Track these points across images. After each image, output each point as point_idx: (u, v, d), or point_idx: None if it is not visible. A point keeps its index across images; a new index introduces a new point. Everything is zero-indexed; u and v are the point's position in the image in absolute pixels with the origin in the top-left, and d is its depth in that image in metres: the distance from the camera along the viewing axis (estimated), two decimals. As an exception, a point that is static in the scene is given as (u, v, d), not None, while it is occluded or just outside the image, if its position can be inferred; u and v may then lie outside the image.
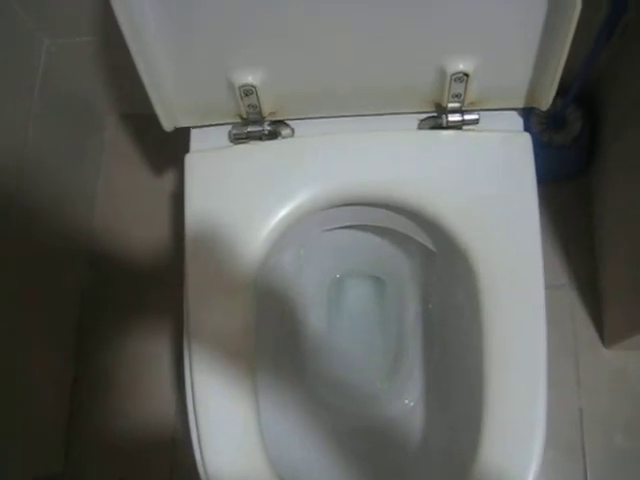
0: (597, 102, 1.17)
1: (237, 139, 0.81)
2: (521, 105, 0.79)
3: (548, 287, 0.75)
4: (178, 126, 0.81)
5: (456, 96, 0.76)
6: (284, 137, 0.82)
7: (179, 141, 0.84)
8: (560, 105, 1.10)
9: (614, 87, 1.12)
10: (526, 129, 0.80)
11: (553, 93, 0.75)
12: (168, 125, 0.79)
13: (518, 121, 0.81)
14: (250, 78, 0.74)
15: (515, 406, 0.71)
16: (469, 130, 0.79)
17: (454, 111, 0.78)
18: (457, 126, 0.79)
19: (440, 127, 0.79)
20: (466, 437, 0.73)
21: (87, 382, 1.22)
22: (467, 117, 0.78)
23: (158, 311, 1.22)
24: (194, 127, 0.83)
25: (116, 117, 1.34)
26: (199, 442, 0.73)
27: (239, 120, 0.80)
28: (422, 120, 0.81)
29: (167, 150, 0.97)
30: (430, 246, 0.86)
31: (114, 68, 1.15)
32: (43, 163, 1.10)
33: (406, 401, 0.99)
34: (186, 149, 0.83)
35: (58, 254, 1.17)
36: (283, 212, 0.77)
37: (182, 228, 0.79)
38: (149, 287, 1.24)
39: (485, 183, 0.77)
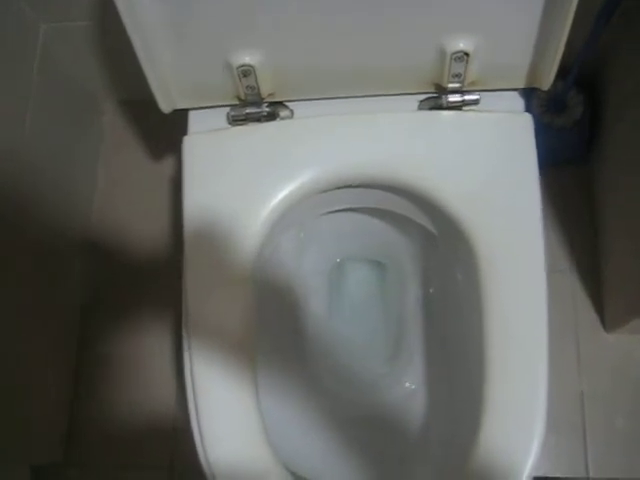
0: (598, 88, 1.17)
1: (235, 121, 0.80)
2: (522, 85, 0.78)
3: (549, 271, 0.74)
4: (176, 108, 0.80)
5: (456, 76, 0.75)
6: (283, 118, 0.81)
7: (178, 126, 0.83)
8: (561, 88, 1.10)
9: (615, 73, 1.11)
10: (527, 111, 0.80)
11: (554, 72, 0.74)
12: (166, 107, 0.78)
13: (519, 102, 0.80)
14: (248, 58, 0.74)
15: (516, 389, 0.71)
16: (469, 111, 0.79)
17: (454, 91, 0.77)
18: (457, 107, 0.78)
19: (440, 108, 0.79)
20: (467, 420, 0.73)
21: (88, 373, 1.22)
22: (467, 97, 0.78)
23: (158, 300, 1.22)
24: (192, 109, 0.82)
25: (114, 103, 1.33)
26: (200, 431, 0.72)
27: (237, 102, 0.80)
28: (422, 101, 0.80)
29: (166, 135, 0.97)
30: (431, 228, 0.86)
31: (112, 53, 1.14)
32: (41, 150, 1.09)
33: (407, 384, 0.99)
34: (185, 132, 0.82)
35: (57, 244, 1.17)
36: (282, 194, 0.77)
37: (181, 213, 0.78)
38: (149, 276, 1.24)
39: (486, 164, 0.76)
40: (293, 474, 0.74)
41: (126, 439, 1.17)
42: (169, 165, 1.29)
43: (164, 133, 1.02)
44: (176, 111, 0.81)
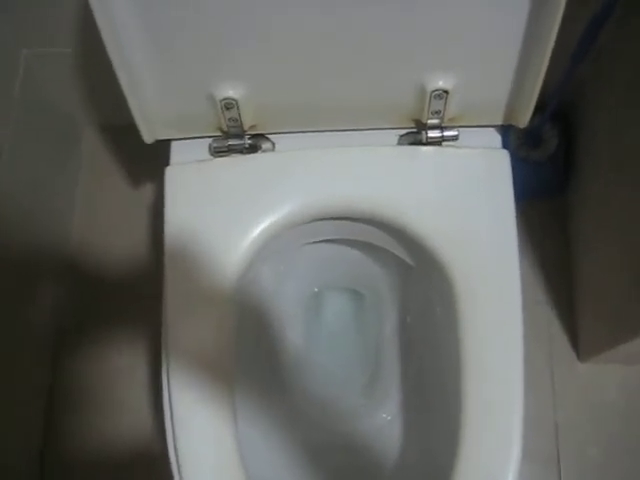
0: (573, 121, 1.19)
1: (218, 152, 0.81)
2: (499, 122, 0.80)
3: (526, 303, 0.75)
4: (158, 138, 0.80)
5: (436, 112, 0.77)
6: (265, 151, 0.82)
7: (160, 154, 0.83)
8: (537, 122, 1.12)
9: (588, 107, 1.14)
10: (504, 146, 0.81)
11: (531, 111, 0.76)
12: (148, 137, 0.79)
13: (496, 138, 0.82)
14: (231, 92, 0.74)
15: (491, 421, 0.71)
16: (448, 146, 0.80)
17: (434, 127, 0.79)
18: (436, 142, 0.79)
19: (420, 143, 0.80)
20: (443, 451, 0.73)
21: (63, 397, 1.20)
22: (446, 133, 0.79)
23: (136, 326, 1.21)
24: (175, 140, 0.83)
25: (95, 129, 1.33)
26: (177, 461, 0.72)
27: (220, 133, 0.80)
28: (402, 136, 0.82)
29: (147, 163, 0.97)
30: (408, 260, 0.86)
31: (94, 79, 1.14)
32: (19, 175, 1.09)
33: (384, 415, 0.98)
34: (167, 162, 0.82)
35: (34, 270, 1.16)
36: (262, 226, 0.77)
37: (161, 242, 0.78)
38: (127, 302, 1.23)
39: (464, 198, 0.78)
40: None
41: (102, 467, 1.16)
42: (149, 192, 1.29)
43: (145, 160, 1.02)
44: (158, 141, 0.81)
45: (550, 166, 1.17)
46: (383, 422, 0.98)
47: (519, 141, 1.16)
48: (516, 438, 0.70)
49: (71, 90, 1.18)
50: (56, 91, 1.17)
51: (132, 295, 1.22)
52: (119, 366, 1.21)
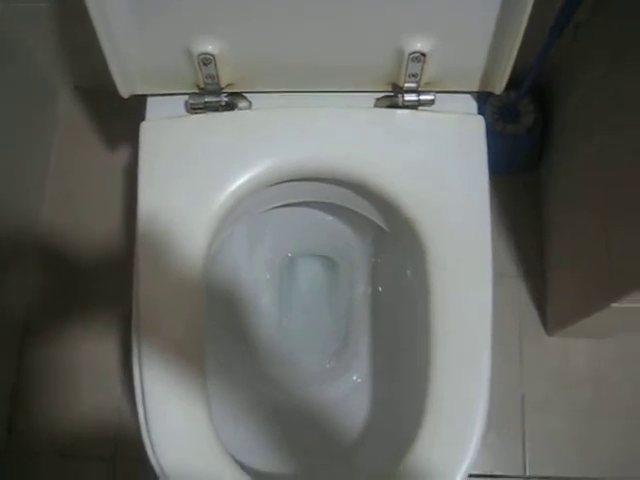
0: (550, 98, 1.20)
1: (194, 109, 0.80)
2: (476, 88, 0.80)
3: (497, 276, 0.76)
4: (135, 93, 0.80)
5: (413, 76, 0.77)
6: (241, 109, 0.81)
7: (136, 115, 0.82)
8: (514, 97, 1.13)
9: (564, 84, 1.15)
10: (480, 114, 0.82)
11: (506, 77, 0.76)
12: (125, 91, 0.78)
13: (472, 104, 0.82)
14: (209, 47, 0.74)
15: (458, 388, 0.73)
16: (424, 110, 0.80)
17: (410, 91, 0.79)
18: (413, 106, 0.80)
19: (396, 106, 0.80)
20: (409, 417, 0.74)
21: (31, 379, 1.19)
22: (423, 97, 0.79)
23: (108, 300, 1.20)
24: (151, 96, 0.82)
25: (71, 89, 1.31)
26: (149, 435, 0.72)
27: (197, 90, 0.80)
28: (378, 99, 0.82)
29: (123, 124, 0.96)
30: (382, 224, 0.87)
31: (70, 36, 1.12)
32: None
33: (354, 377, 1.00)
34: (143, 119, 0.81)
35: (3, 243, 1.14)
36: (237, 183, 0.77)
37: (135, 199, 0.78)
38: (100, 279, 1.22)
39: (438, 162, 0.78)
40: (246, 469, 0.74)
41: (69, 430, 1.16)
42: (124, 154, 1.28)
43: (121, 122, 1.01)
44: (135, 97, 0.80)
45: (526, 140, 1.18)
46: (353, 384, 0.99)
47: (495, 115, 1.16)
48: (480, 408, 0.72)
49: (47, 47, 1.15)
50: (31, 48, 1.15)
51: (104, 271, 1.22)
52: (90, 347, 1.20)
